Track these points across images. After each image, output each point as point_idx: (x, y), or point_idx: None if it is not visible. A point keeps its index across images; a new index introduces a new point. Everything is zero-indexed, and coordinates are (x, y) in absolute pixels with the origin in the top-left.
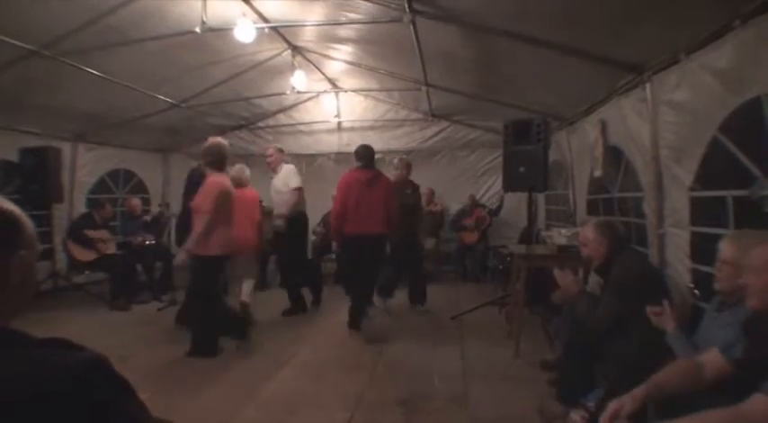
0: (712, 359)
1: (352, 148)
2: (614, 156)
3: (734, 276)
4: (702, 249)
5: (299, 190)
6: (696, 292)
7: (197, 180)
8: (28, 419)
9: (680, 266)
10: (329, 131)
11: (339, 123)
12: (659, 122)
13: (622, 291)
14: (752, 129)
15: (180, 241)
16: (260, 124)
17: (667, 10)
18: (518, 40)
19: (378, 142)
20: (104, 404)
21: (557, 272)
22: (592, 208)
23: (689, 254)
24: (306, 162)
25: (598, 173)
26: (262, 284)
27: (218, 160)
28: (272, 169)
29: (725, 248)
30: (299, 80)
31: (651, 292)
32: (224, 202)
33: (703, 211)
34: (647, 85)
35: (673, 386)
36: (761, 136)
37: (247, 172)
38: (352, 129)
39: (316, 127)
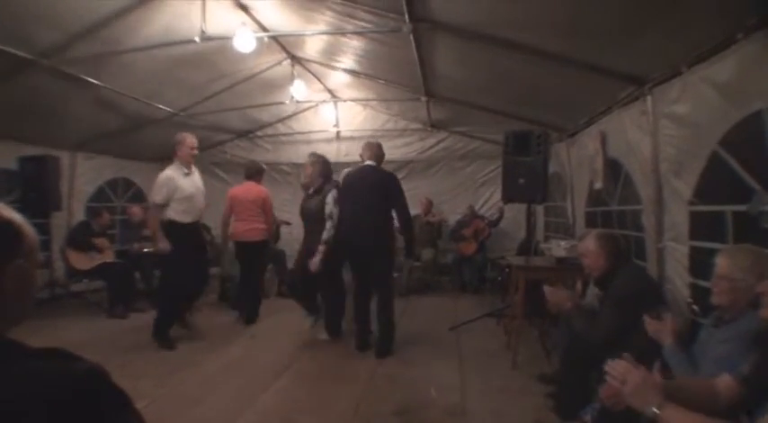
0: (724, 383)
1: (351, 158)
2: (613, 168)
3: (730, 291)
4: (701, 264)
5: None
6: (695, 307)
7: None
8: None
9: (678, 281)
10: (328, 141)
11: (338, 133)
12: (659, 135)
13: (621, 304)
14: (752, 143)
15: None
16: (258, 133)
17: (669, 22)
18: (519, 51)
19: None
20: (101, 415)
21: (546, 288)
22: (590, 220)
23: (688, 268)
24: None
25: (598, 185)
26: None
27: None
28: (191, 163)
29: (720, 263)
30: (299, 90)
31: (650, 305)
32: None
33: (703, 226)
34: (648, 98)
35: (688, 395)
36: (761, 151)
37: None
38: (351, 138)
39: (314, 136)
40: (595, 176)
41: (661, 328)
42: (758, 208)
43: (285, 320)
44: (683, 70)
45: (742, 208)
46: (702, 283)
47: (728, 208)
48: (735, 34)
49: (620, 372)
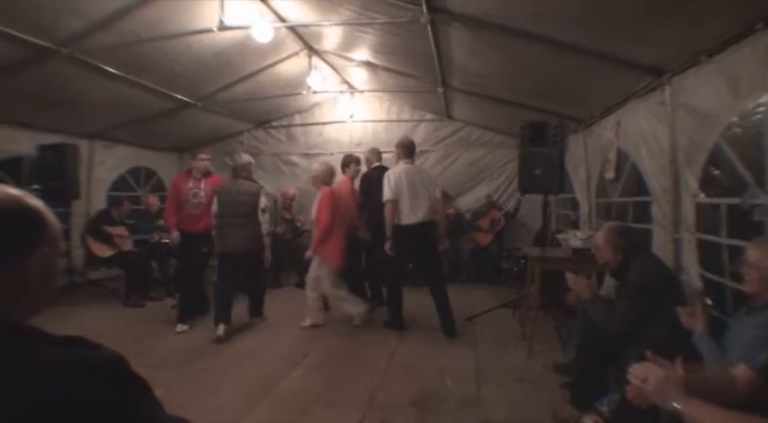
0: (742, 373)
1: (364, 149)
2: (620, 159)
3: (759, 280)
4: (708, 256)
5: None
6: (708, 300)
7: None
8: (44, 419)
9: (692, 272)
10: (343, 132)
11: (354, 124)
12: (677, 126)
13: (638, 294)
14: (749, 136)
15: None
16: (274, 124)
17: (690, 10)
18: (536, 42)
19: (392, 143)
20: (121, 403)
21: (569, 276)
22: (601, 211)
23: (698, 259)
24: (318, 162)
25: (610, 175)
26: (274, 284)
27: None
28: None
29: (752, 252)
30: (315, 80)
31: (667, 295)
32: None
33: (707, 218)
34: (667, 88)
35: (709, 387)
36: (757, 143)
37: None
38: (366, 129)
39: (330, 127)
40: (608, 166)
41: (694, 317)
42: (750, 201)
43: (301, 311)
44: (701, 60)
45: (736, 201)
46: (710, 275)
47: (724, 201)
48: (755, 24)
49: (641, 371)
